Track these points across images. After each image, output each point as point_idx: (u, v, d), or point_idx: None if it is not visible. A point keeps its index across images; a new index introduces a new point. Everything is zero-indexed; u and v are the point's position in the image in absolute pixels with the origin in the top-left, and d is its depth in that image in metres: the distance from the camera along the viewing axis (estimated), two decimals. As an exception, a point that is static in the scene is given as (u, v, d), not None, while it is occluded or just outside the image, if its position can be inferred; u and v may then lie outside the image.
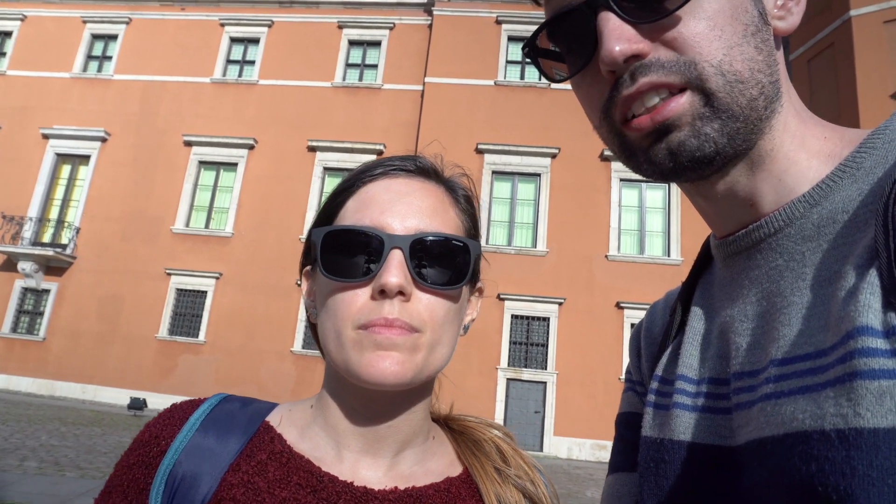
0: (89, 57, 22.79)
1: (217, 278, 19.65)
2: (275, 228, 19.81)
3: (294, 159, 20.54)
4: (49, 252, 19.55)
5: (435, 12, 21.17)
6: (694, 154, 0.48)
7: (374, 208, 0.64)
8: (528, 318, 18.14)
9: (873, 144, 0.49)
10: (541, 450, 16.85)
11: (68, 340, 19.62)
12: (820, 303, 0.45)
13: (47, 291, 20.23)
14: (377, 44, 21.82)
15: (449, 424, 0.75)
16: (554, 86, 17.96)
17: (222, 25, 22.37)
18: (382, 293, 0.59)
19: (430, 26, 21.33)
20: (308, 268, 0.71)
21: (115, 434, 11.88)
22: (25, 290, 20.31)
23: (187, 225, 20.49)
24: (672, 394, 0.59)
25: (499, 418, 16.98)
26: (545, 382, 17.49)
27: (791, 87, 0.54)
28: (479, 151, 19.45)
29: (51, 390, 19.27)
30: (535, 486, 0.69)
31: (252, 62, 22.12)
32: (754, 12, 0.49)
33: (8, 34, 23.22)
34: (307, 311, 0.71)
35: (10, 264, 20.21)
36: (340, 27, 21.84)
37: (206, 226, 20.48)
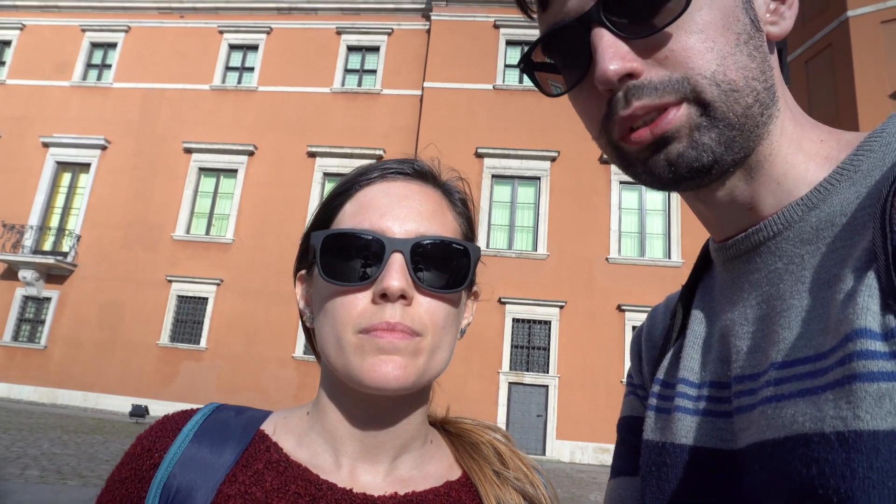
0: (89, 65, 22.86)
1: (218, 285, 19.66)
2: (275, 234, 19.82)
3: (294, 165, 20.57)
4: (50, 260, 19.56)
5: (433, 17, 21.23)
6: (692, 164, 0.48)
7: (374, 212, 0.63)
8: (529, 321, 18.13)
9: (870, 147, 0.49)
10: (543, 453, 16.81)
11: (69, 348, 19.62)
12: (819, 306, 0.45)
13: (48, 299, 20.24)
14: (376, 49, 21.88)
15: (446, 428, 0.75)
16: (552, 89, 17.96)
17: (221, 33, 22.44)
18: (384, 297, 0.59)
19: (429, 31, 21.39)
20: (303, 272, 0.71)
21: (117, 442, 11.86)
22: (26, 298, 20.32)
23: (188, 232, 20.51)
24: (673, 397, 0.59)
25: (501, 422, 16.94)
26: (547, 386, 17.47)
27: (787, 90, 0.54)
28: (479, 155, 19.47)
29: (52, 398, 19.25)
30: (534, 488, 0.69)
31: (251, 69, 22.17)
32: (746, 20, 0.49)
33: (7, 43, 23.29)
34: (302, 316, 0.70)
35: (11, 273, 20.23)
36: (339, 33, 21.90)
37: (207, 232, 20.50)
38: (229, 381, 18.65)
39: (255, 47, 22.38)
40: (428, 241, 0.62)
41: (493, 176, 19.50)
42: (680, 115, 0.47)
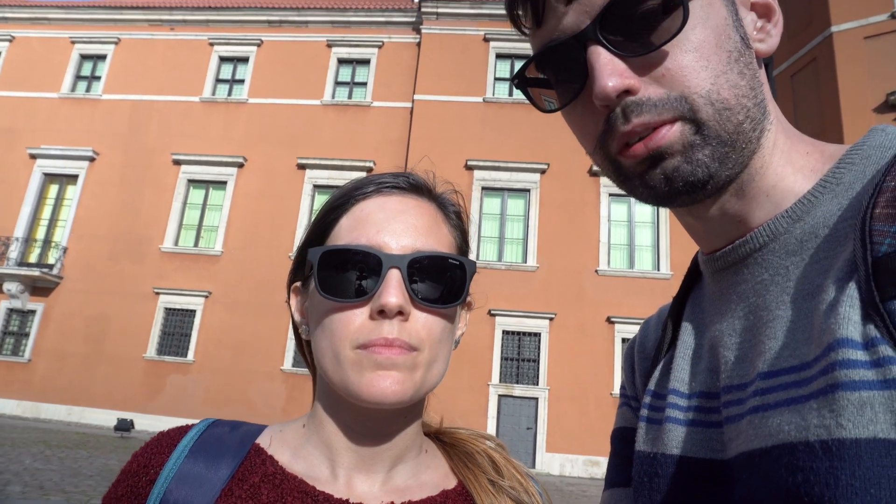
0: (78, 77, 22.77)
1: (206, 297, 19.51)
2: (264, 246, 19.73)
3: (284, 177, 20.54)
4: (35, 272, 19.36)
5: (423, 31, 21.37)
6: (688, 178, 0.49)
7: (370, 227, 0.63)
8: (519, 333, 18.12)
9: (851, 160, 0.51)
10: (533, 466, 16.73)
11: (54, 361, 19.35)
12: (803, 316, 0.46)
13: (33, 312, 19.99)
14: (366, 62, 21.97)
15: (440, 438, 0.75)
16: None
17: (211, 45, 22.45)
18: (382, 313, 0.59)
19: (419, 44, 21.52)
20: (297, 284, 0.71)
21: (102, 456, 11.68)
22: (11, 310, 20.07)
23: (176, 244, 20.37)
24: (664, 408, 0.59)
25: (491, 435, 16.85)
26: (537, 398, 17.43)
27: (775, 104, 0.56)
28: (469, 168, 19.55)
29: (36, 412, 18.96)
30: (529, 497, 0.70)
31: (241, 81, 22.17)
32: (736, 38, 0.50)
33: (-5, 54, 23.18)
34: (297, 329, 0.71)
35: (-4, 285, 19.98)
36: (329, 46, 21.98)
37: (195, 244, 20.37)
38: (217, 394, 18.46)
39: (245, 60, 22.40)
40: (424, 257, 0.62)
41: (483, 188, 19.57)
42: (673, 132, 0.48)
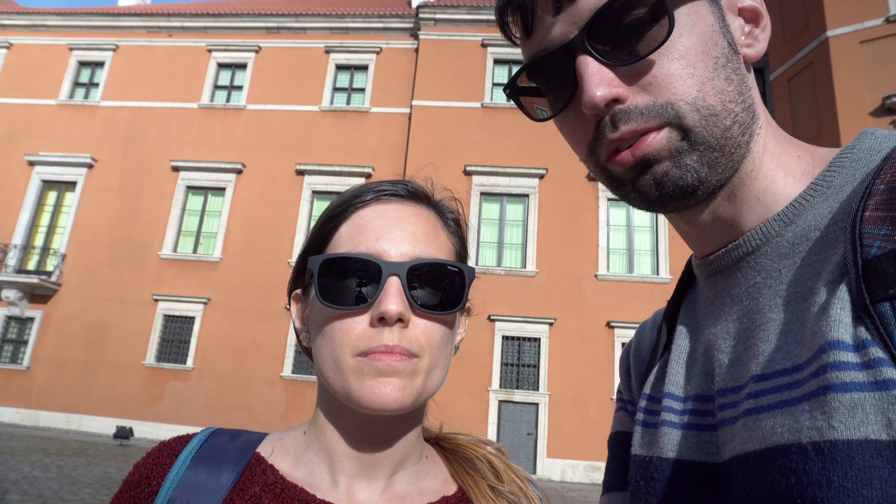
0: (76, 84, 22.79)
1: (205, 304, 19.49)
2: (263, 253, 19.72)
3: (282, 183, 20.54)
4: (34, 279, 19.32)
5: (421, 36, 21.43)
6: (678, 183, 0.50)
7: (369, 235, 0.64)
8: (518, 338, 18.11)
9: (842, 164, 0.51)
10: (534, 472, 16.68)
11: (53, 369, 19.30)
12: (795, 318, 0.47)
13: (31, 319, 19.94)
14: (364, 68, 22.01)
15: (440, 443, 0.75)
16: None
17: (210, 51, 22.49)
18: (382, 320, 0.60)
19: (417, 50, 21.58)
20: (298, 291, 0.71)
21: (101, 465, 11.64)
22: (9, 318, 20.03)
23: (175, 250, 20.36)
24: (660, 412, 0.60)
25: (491, 440, 16.80)
26: (537, 404, 17.40)
27: (765, 108, 0.56)
28: (467, 173, 19.57)
29: (34, 420, 18.90)
30: (529, 501, 0.70)
31: (240, 87, 22.21)
32: (724, 44, 0.51)
33: (-6, 62, 23.22)
34: (298, 336, 0.71)
35: (-6, 293, 19.95)
36: (328, 52, 22.03)
37: (194, 251, 20.35)
38: (216, 401, 18.41)
39: (243, 66, 22.44)
40: (423, 264, 0.63)
41: (482, 193, 19.58)
42: (660, 139, 0.49)
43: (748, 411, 0.47)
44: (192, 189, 21.04)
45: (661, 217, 18.47)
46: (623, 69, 0.49)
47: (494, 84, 20.78)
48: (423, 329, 0.62)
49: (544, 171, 19.39)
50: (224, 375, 18.67)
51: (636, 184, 0.51)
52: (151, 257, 20.16)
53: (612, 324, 17.78)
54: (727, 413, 0.51)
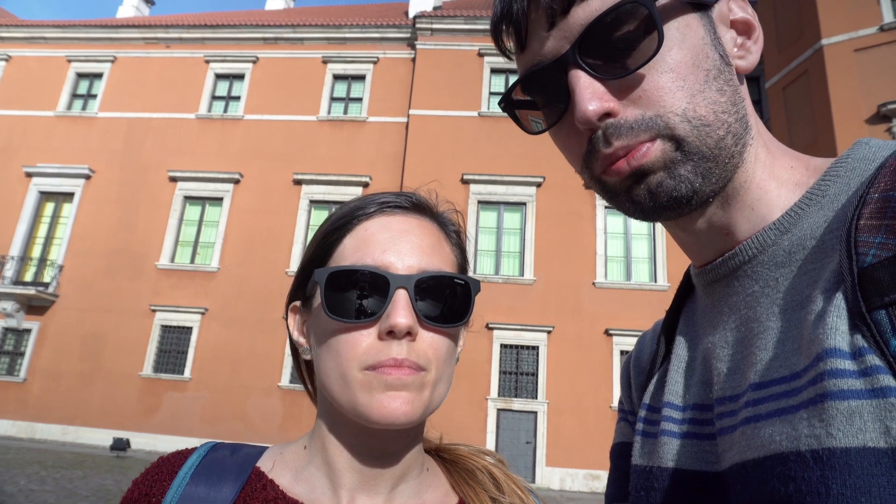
0: (74, 95, 22.83)
1: (203, 314, 19.43)
2: (261, 262, 19.70)
3: (280, 193, 20.56)
4: (31, 291, 19.25)
5: (418, 46, 21.53)
6: (672, 194, 0.50)
7: (375, 247, 0.64)
8: (517, 347, 18.07)
9: (836, 173, 0.52)
10: (533, 481, 16.60)
11: (49, 380, 19.20)
12: (793, 327, 0.47)
13: (28, 331, 19.86)
14: (361, 78, 22.09)
15: (441, 455, 0.75)
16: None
17: (207, 62, 22.56)
18: (391, 334, 0.60)
19: (414, 60, 21.67)
20: (297, 303, 0.71)
21: (97, 477, 11.56)
22: (6, 330, 19.93)
23: (172, 260, 20.32)
24: (659, 422, 0.60)
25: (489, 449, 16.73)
26: (536, 412, 17.34)
27: (758, 118, 0.57)
28: (465, 182, 19.60)
29: (31, 433, 18.77)
30: None
31: (237, 98, 22.26)
32: (715, 56, 0.51)
33: (-8, 74, 23.26)
34: (298, 348, 0.71)
35: (-9, 304, 19.87)
36: (325, 62, 22.12)
37: (192, 261, 20.32)
38: (214, 411, 18.31)
39: (241, 76, 22.51)
40: (430, 277, 0.63)
41: (480, 202, 19.61)
42: (654, 150, 0.49)
43: (747, 420, 0.47)
44: (189, 199, 21.04)
45: (658, 225, 18.53)
46: (614, 83, 0.50)
47: (491, 93, 20.85)
48: (429, 342, 0.62)
49: (541, 180, 19.44)
50: (222, 386, 18.59)
51: (631, 194, 0.52)
52: (149, 268, 20.12)
53: (611, 331, 17.76)
54: (726, 422, 0.51)
